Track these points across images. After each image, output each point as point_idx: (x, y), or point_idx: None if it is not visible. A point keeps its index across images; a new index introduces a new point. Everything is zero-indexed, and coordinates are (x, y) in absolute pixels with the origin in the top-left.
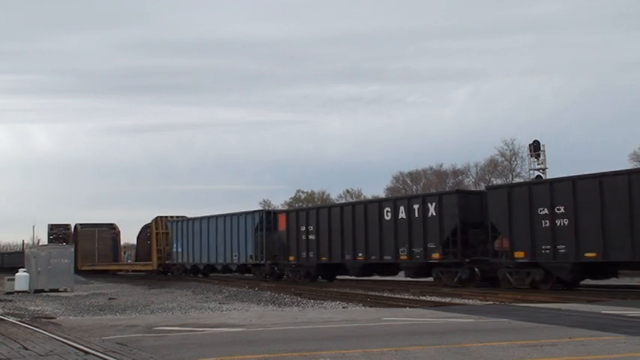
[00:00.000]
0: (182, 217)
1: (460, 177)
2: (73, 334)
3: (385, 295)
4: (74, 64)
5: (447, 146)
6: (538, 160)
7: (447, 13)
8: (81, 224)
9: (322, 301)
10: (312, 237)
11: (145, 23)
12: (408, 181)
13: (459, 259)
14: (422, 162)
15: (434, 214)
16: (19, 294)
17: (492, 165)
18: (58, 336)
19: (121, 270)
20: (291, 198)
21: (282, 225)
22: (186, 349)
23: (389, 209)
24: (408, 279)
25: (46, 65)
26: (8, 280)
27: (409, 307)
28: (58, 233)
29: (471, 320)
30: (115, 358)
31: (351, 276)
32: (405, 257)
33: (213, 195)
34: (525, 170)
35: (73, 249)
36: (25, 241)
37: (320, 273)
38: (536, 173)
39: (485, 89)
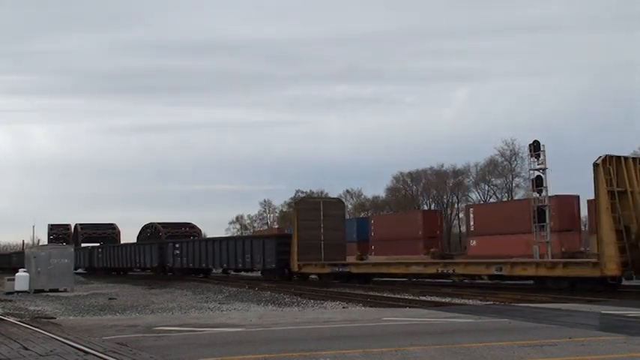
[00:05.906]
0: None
1: (460, 177)
2: (73, 334)
3: (385, 295)
4: (74, 64)
5: (447, 146)
6: (538, 160)
7: (446, 14)
8: (81, 225)
9: (322, 301)
10: None
11: (145, 23)
12: (408, 181)
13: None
14: (422, 162)
15: None
16: (19, 294)
17: (492, 165)
18: (58, 336)
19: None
20: (290, 198)
21: None
22: (186, 349)
23: None
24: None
25: (46, 65)
26: (8, 280)
27: (409, 307)
28: (58, 233)
29: (471, 320)
30: (115, 358)
31: None
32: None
33: (213, 195)
34: (525, 170)
35: (72, 249)
36: (25, 241)
37: None
38: (537, 173)
39: (485, 89)
